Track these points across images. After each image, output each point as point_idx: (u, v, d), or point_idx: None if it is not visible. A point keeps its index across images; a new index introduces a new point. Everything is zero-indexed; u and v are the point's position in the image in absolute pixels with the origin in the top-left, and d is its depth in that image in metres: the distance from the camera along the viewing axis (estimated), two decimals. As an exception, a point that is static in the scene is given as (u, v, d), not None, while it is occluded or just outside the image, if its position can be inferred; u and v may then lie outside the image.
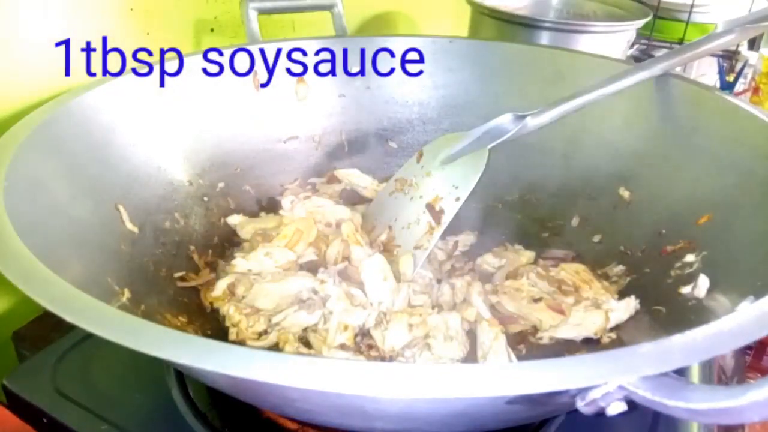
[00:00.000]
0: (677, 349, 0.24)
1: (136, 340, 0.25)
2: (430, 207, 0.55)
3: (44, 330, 0.52)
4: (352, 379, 0.23)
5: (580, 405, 0.24)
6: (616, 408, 0.24)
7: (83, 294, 0.28)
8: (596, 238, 0.57)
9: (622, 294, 0.50)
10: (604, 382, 0.23)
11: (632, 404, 0.24)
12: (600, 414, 0.24)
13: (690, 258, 0.46)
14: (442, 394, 0.23)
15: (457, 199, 0.53)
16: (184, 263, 0.52)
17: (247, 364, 0.23)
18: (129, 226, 0.47)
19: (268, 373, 0.23)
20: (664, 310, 0.45)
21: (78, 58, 0.59)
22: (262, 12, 0.64)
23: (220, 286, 0.50)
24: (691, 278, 0.44)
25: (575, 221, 0.59)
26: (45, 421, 0.43)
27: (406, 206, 0.57)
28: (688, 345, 0.25)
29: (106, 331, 0.25)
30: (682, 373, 0.38)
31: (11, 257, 0.30)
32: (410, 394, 0.23)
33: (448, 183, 0.55)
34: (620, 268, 0.52)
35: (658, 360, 0.24)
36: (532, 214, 0.62)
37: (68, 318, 0.26)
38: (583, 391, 0.24)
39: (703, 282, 0.43)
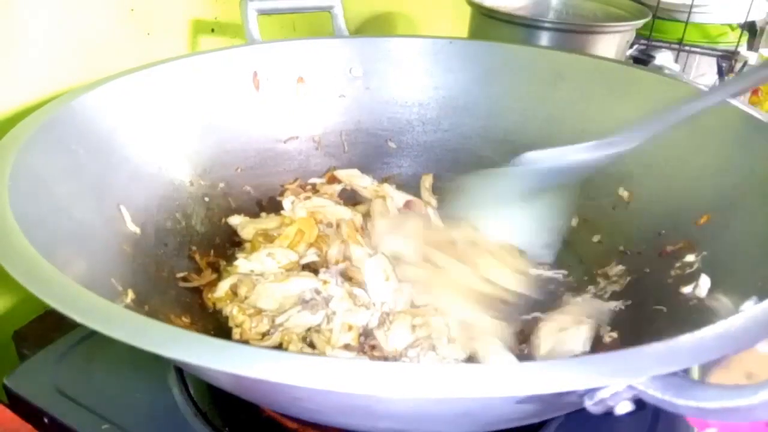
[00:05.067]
0: (686, 349, 0.25)
1: (146, 340, 0.25)
2: None
3: (45, 329, 0.52)
4: (363, 379, 0.23)
5: (588, 404, 0.24)
6: (623, 407, 0.24)
7: (91, 294, 0.28)
8: (596, 238, 0.57)
9: (622, 294, 0.50)
10: (615, 381, 0.23)
11: (639, 403, 0.24)
12: (607, 413, 0.24)
13: (690, 258, 0.46)
14: (452, 394, 0.23)
15: None
16: (186, 263, 0.52)
17: (259, 363, 0.23)
18: (131, 226, 0.47)
19: (279, 373, 0.23)
20: (665, 310, 0.45)
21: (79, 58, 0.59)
22: (262, 13, 0.64)
23: (223, 287, 0.50)
24: (691, 278, 0.44)
25: (575, 221, 0.59)
26: (46, 420, 0.43)
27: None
28: (697, 345, 0.25)
29: (115, 331, 0.25)
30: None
31: (19, 257, 0.30)
32: (421, 394, 0.23)
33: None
34: (620, 267, 0.52)
35: (668, 359, 0.24)
36: (532, 213, 0.62)
37: (77, 318, 0.26)
38: (591, 390, 0.24)
39: (704, 282, 0.43)
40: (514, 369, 0.23)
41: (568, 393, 0.23)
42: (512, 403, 0.26)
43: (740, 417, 0.23)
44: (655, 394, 0.23)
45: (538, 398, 0.24)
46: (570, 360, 0.24)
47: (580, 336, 0.47)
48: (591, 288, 0.52)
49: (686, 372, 0.24)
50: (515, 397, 0.24)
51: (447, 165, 0.68)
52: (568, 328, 0.48)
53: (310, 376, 0.23)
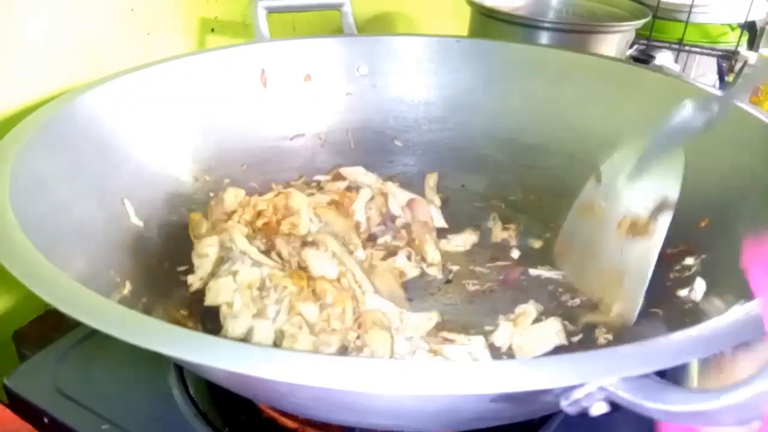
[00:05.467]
0: (657, 351, 0.25)
1: (144, 337, 0.25)
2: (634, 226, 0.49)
3: (45, 329, 0.52)
4: (339, 375, 0.23)
5: (564, 405, 0.24)
6: (598, 408, 0.24)
7: (90, 291, 0.28)
8: (597, 239, 0.57)
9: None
10: (584, 382, 0.23)
11: (614, 405, 0.24)
12: (583, 414, 0.24)
13: (689, 261, 0.46)
14: (423, 390, 0.23)
15: (666, 209, 0.47)
16: (187, 258, 0.52)
17: (247, 360, 0.23)
18: (134, 220, 0.47)
19: (258, 368, 0.23)
20: (660, 313, 0.45)
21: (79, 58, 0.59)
22: (272, 11, 0.64)
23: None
24: (689, 281, 0.45)
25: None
26: (46, 420, 0.43)
27: (596, 232, 0.52)
28: (669, 347, 0.25)
29: (113, 329, 0.25)
30: (680, 372, 0.38)
31: (18, 255, 0.30)
32: (392, 390, 0.23)
33: (646, 197, 0.49)
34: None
35: (638, 361, 0.24)
36: (536, 214, 0.62)
37: (75, 316, 0.26)
38: (566, 390, 0.24)
39: (700, 285, 0.43)
40: (483, 368, 0.24)
41: (539, 392, 0.23)
42: (486, 401, 0.26)
43: (706, 420, 0.23)
44: (626, 395, 0.23)
45: (510, 396, 0.24)
46: (540, 360, 0.24)
47: (549, 329, 0.47)
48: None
49: (663, 375, 0.24)
50: (488, 395, 0.24)
51: (452, 164, 0.68)
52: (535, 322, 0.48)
53: (293, 373, 0.23)
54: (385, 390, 0.23)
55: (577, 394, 0.23)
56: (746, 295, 0.35)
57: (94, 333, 0.48)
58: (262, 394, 0.36)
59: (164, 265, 0.49)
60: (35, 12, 0.54)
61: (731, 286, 0.41)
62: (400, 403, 0.29)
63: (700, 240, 0.47)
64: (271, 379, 0.23)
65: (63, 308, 0.26)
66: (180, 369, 0.46)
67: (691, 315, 0.42)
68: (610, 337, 0.47)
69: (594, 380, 0.23)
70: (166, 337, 0.25)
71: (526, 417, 0.41)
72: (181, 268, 0.50)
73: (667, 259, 0.48)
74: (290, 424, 0.43)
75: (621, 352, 0.24)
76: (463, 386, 0.23)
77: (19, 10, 0.53)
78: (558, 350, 0.47)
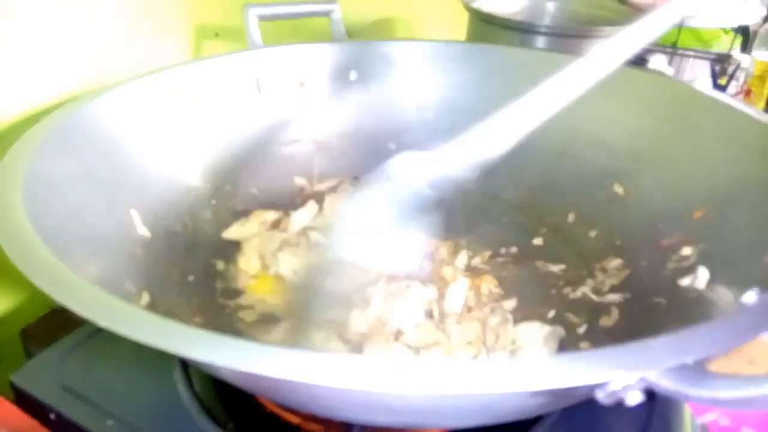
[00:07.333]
0: (699, 340, 0.25)
1: (176, 343, 0.25)
2: None
3: (51, 327, 0.52)
4: (385, 377, 0.23)
5: (600, 396, 0.24)
6: (634, 398, 0.24)
7: (116, 299, 0.28)
8: (592, 233, 0.57)
9: (620, 287, 0.51)
10: (630, 374, 0.23)
11: (649, 394, 0.24)
12: (618, 404, 0.24)
13: (687, 251, 0.47)
14: (471, 390, 0.23)
15: None
16: (195, 266, 0.52)
17: (284, 363, 0.23)
18: (141, 230, 0.48)
19: (301, 373, 0.23)
20: (664, 302, 0.45)
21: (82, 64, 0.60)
22: (264, 19, 0.65)
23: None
24: (689, 271, 0.45)
25: (571, 217, 0.60)
26: (52, 417, 0.43)
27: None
28: (709, 336, 0.25)
29: (146, 336, 0.25)
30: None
31: (41, 265, 0.30)
32: (439, 390, 0.23)
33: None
34: (618, 261, 0.53)
35: (681, 351, 0.24)
36: (529, 211, 0.63)
37: (102, 323, 0.26)
38: (604, 383, 0.24)
39: (703, 274, 0.43)
40: (530, 364, 0.24)
41: (580, 386, 0.23)
42: (526, 397, 0.26)
43: (754, 406, 0.23)
44: (668, 385, 0.23)
45: (551, 392, 0.24)
46: (583, 354, 0.24)
47: (535, 333, 0.47)
48: (589, 281, 0.53)
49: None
50: (530, 391, 0.24)
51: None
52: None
53: (332, 376, 0.23)
54: (431, 391, 0.23)
55: (614, 386, 0.24)
56: (751, 282, 0.36)
57: (99, 331, 0.49)
58: (291, 396, 0.35)
59: (174, 275, 0.49)
60: (38, 18, 0.54)
61: (733, 274, 0.41)
62: (438, 402, 0.28)
63: (696, 230, 0.47)
64: (312, 384, 0.23)
65: (90, 316, 0.26)
66: (185, 366, 0.46)
67: (696, 304, 0.42)
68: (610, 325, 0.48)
69: (639, 372, 0.23)
70: (196, 341, 0.25)
71: (553, 409, 0.41)
72: (191, 278, 0.51)
73: (663, 250, 0.49)
74: (293, 419, 0.43)
75: (662, 343, 0.24)
76: (511, 384, 0.23)
77: (19, 14, 0.53)
78: (564, 344, 0.48)
